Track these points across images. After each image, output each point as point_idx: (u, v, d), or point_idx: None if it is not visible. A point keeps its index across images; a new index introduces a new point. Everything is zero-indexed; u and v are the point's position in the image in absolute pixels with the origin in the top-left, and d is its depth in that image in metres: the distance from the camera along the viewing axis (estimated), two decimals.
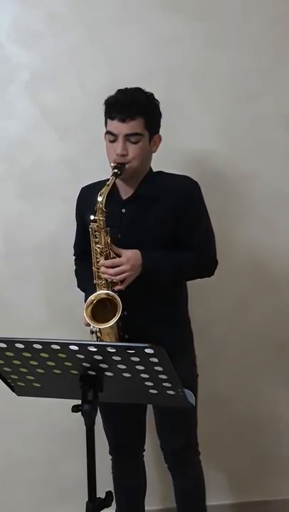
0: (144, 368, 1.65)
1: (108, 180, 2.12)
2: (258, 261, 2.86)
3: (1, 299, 2.77)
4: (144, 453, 2.48)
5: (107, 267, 2.11)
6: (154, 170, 2.30)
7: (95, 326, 2.12)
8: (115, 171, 2.12)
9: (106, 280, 2.14)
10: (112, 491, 1.83)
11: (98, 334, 2.17)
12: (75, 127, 2.71)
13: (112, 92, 2.19)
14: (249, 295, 2.86)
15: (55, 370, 1.72)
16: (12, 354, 1.70)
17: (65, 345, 1.63)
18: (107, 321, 2.08)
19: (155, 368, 1.64)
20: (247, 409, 2.92)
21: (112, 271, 2.10)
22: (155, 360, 1.61)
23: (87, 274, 2.21)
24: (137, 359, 1.62)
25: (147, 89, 2.20)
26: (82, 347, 1.63)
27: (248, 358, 2.89)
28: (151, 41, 2.69)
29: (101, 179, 2.23)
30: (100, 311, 2.12)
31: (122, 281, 2.12)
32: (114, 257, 2.12)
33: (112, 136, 2.16)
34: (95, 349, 1.63)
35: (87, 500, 1.75)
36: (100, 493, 1.76)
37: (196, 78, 2.73)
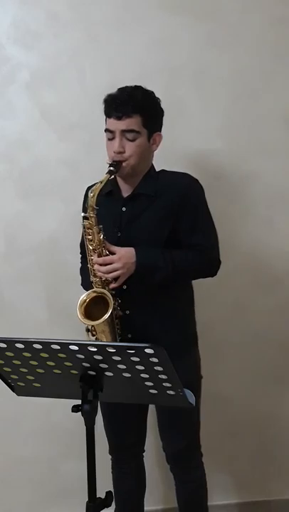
0: (144, 367, 1.65)
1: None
2: (259, 260, 2.85)
3: (1, 299, 2.77)
4: (144, 453, 2.48)
5: (100, 264, 2.11)
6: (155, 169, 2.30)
7: (87, 324, 2.13)
8: (110, 168, 2.12)
9: (101, 278, 2.14)
10: (112, 490, 1.83)
11: (94, 332, 2.18)
12: (75, 127, 2.71)
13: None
14: (249, 294, 2.86)
15: (55, 370, 1.72)
16: (12, 354, 1.70)
17: (65, 345, 1.63)
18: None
19: (155, 367, 1.64)
20: (248, 409, 2.91)
21: (103, 269, 2.11)
22: (155, 360, 1.61)
23: (88, 272, 2.21)
24: (137, 359, 1.62)
25: (147, 88, 2.19)
26: (82, 347, 1.63)
27: (248, 357, 2.89)
28: (151, 41, 2.69)
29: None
30: (96, 309, 2.13)
31: (115, 279, 2.12)
32: (107, 255, 2.13)
33: (110, 134, 2.16)
34: (95, 349, 1.63)
35: (87, 500, 1.75)
36: (100, 493, 1.76)
37: (196, 78, 2.73)
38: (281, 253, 2.87)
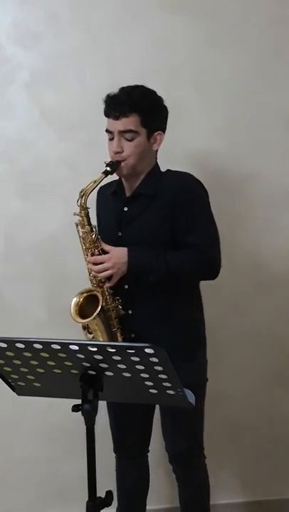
0: (144, 367, 1.64)
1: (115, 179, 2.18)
2: (259, 260, 2.85)
3: (1, 299, 2.77)
4: (148, 453, 2.47)
5: (93, 263, 2.14)
6: None
7: (78, 322, 2.18)
8: (106, 169, 2.13)
9: (95, 277, 2.17)
10: (113, 489, 1.83)
11: (89, 329, 2.22)
12: (75, 127, 2.71)
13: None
14: (249, 295, 2.86)
15: (55, 370, 1.72)
16: (12, 354, 1.70)
17: (65, 345, 1.63)
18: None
19: (155, 367, 1.64)
20: (248, 409, 2.91)
21: (95, 268, 2.13)
22: (155, 360, 1.61)
23: None
24: (137, 359, 1.62)
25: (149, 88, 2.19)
26: (83, 347, 1.63)
27: (248, 357, 2.89)
28: (151, 41, 2.69)
29: (115, 178, 2.28)
30: (91, 307, 2.16)
31: (109, 279, 2.13)
32: (99, 254, 2.15)
33: (109, 134, 2.17)
34: (95, 349, 1.63)
35: (87, 500, 1.75)
36: (100, 493, 1.76)
37: (196, 78, 2.74)
38: (281, 253, 2.87)
